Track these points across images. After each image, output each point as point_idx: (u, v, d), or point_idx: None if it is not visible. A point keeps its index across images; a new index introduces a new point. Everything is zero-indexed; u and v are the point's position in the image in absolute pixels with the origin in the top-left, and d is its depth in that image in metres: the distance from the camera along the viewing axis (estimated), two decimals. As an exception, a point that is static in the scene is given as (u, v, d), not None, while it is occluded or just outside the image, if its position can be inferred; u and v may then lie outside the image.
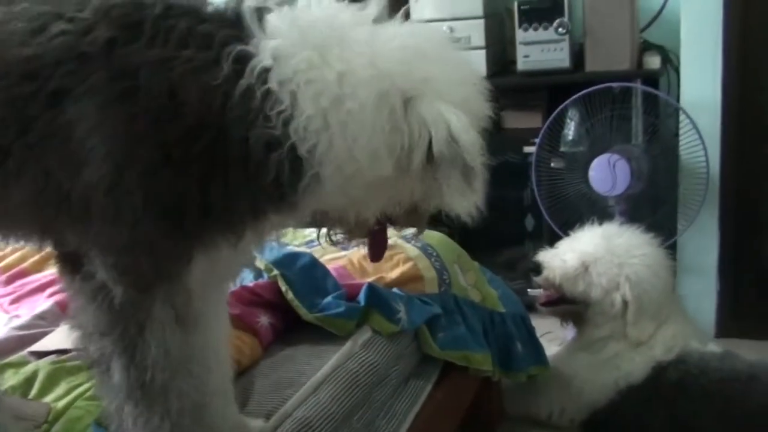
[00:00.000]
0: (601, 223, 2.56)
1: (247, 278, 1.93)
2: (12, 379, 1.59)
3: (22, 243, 1.38)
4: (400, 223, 1.40)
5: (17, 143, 1.14)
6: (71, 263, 1.24)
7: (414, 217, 1.35)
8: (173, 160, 1.12)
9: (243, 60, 1.14)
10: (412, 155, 1.19)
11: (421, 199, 1.28)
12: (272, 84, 1.14)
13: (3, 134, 1.15)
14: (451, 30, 3.10)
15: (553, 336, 2.95)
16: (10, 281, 2.07)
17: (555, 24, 3.02)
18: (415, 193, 1.26)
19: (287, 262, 1.89)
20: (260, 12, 1.19)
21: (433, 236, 2.28)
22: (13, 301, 1.95)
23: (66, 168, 1.13)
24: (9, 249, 2.18)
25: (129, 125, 1.11)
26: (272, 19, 1.19)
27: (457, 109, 1.19)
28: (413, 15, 3.09)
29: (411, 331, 1.95)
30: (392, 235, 2.22)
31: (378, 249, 1.43)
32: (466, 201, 1.22)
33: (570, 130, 2.99)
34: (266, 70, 1.14)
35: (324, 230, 1.40)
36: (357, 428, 1.64)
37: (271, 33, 1.17)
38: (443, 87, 1.21)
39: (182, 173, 1.12)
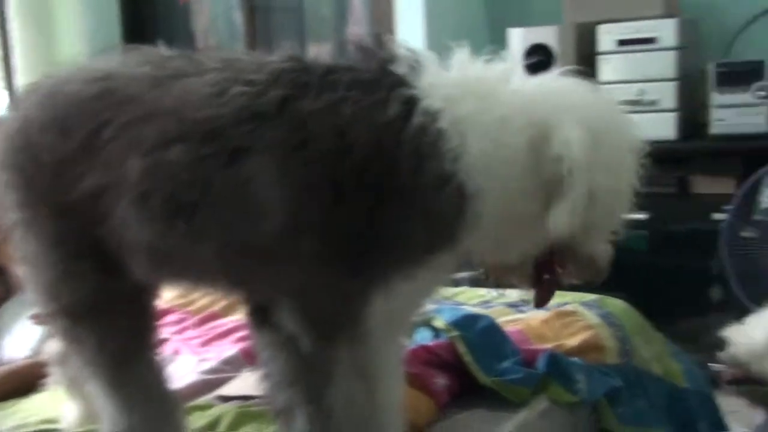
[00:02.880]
0: (795, 299, 2.40)
1: (425, 337, 1.93)
2: (199, 420, 1.66)
3: (211, 291, 1.46)
4: (568, 272, 1.40)
5: (202, 200, 1.23)
6: (260, 315, 1.30)
7: (575, 262, 1.36)
8: (343, 196, 1.17)
9: (411, 102, 1.20)
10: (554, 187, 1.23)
11: (571, 240, 1.28)
12: (444, 123, 1.19)
13: (190, 193, 1.23)
14: (642, 92, 3.04)
15: (740, 416, 2.76)
16: (201, 323, 2.17)
17: (754, 87, 2.89)
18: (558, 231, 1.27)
19: (467, 323, 1.87)
20: (417, 65, 1.26)
21: (615, 305, 2.21)
22: (203, 344, 2.03)
23: (247, 221, 1.20)
24: (201, 293, 2.28)
25: (303, 172, 1.18)
26: (429, 70, 1.25)
27: (588, 130, 1.22)
28: (603, 76, 3.05)
29: (590, 403, 1.88)
30: (573, 300, 2.20)
31: (543, 295, 1.44)
32: (571, 223, 1.22)
33: (765, 197, 2.83)
34: (437, 111, 1.20)
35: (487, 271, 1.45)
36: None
37: (432, 82, 1.24)
38: (581, 113, 1.25)
39: (352, 208, 1.18)
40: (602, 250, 1.33)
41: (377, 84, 1.22)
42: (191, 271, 1.35)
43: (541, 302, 1.46)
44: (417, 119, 1.19)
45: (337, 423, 1.24)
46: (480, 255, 1.38)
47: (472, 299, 2.30)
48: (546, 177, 1.23)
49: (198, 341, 2.05)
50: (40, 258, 1.44)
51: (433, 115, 1.20)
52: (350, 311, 1.23)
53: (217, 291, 1.45)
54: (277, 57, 1.30)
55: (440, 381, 1.78)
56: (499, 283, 1.47)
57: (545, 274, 1.39)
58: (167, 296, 2.06)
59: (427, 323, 1.95)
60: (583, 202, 1.22)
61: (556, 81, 1.33)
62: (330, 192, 1.17)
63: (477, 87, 1.25)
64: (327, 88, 1.21)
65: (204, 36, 4.31)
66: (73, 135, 1.32)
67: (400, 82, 1.23)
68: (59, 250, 1.42)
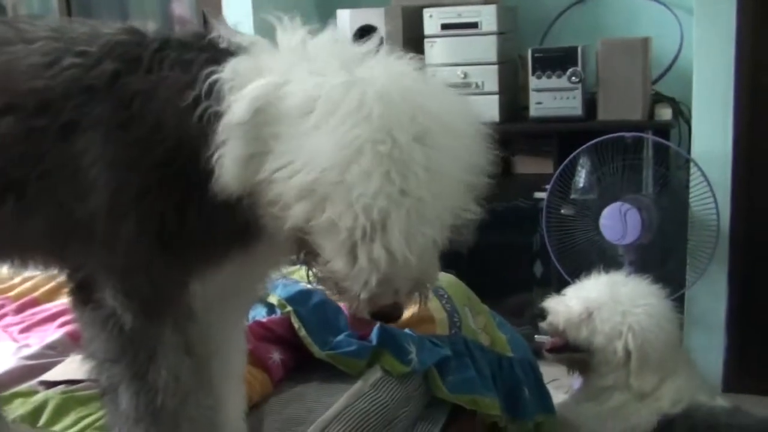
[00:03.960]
0: (609, 272, 2.56)
1: (260, 314, 1.93)
2: (20, 408, 1.58)
3: (38, 269, 1.40)
4: None
5: (33, 176, 1.18)
6: (83, 293, 1.26)
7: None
8: (155, 184, 1.15)
9: (213, 83, 1.16)
10: None
11: None
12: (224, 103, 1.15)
13: (20, 168, 1.19)
14: (465, 75, 3.14)
15: (559, 383, 2.93)
16: (20, 310, 2.07)
17: (568, 73, 3.05)
18: None
19: (300, 298, 1.88)
20: (236, 46, 1.21)
21: (444, 278, 2.27)
22: (23, 330, 1.94)
23: (76, 197, 1.17)
24: (20, 278, 2.18)
25: (125, 153, 1.15)
26: (250, 51, 1.20)
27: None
28: (430, 59, 3.13)
29: (421, 373, 1.93)
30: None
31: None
32: None
33: (581, 177, 3.01)
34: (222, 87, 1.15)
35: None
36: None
37: (246, 63, 1.18)
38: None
39: (162, 197, 1.16)
40: None
41: (191, 64, 1.18)
42: (19, 247, 1.30)
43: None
44: (208, 102, 1.14)
45: (162, 399, 1.22)
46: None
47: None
48: None
49: (17, 327, 1.95)
50: None
51: (217, 93, 1.15)
52: (171, 294, 1.22)
53: (41, 267, 1.38)
54: (112, 28, 1.25)
55: (275, 356, 1.79)
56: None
57: None
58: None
59: (262, 299, 1.94)
60: None
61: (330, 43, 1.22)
62: (145, 178, 1.15)
63: (273, 60, 1.19)
64: (155, 65, 1.19)
65: (13, 9, 4.05)
66: None
67: (212, 60, 1.18)
68: None
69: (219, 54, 1.19)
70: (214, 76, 1.14)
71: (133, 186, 1.15)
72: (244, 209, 1.15)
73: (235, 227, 1.19)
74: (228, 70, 1.15)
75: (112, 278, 1.20)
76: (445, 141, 1.12)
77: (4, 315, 2.04)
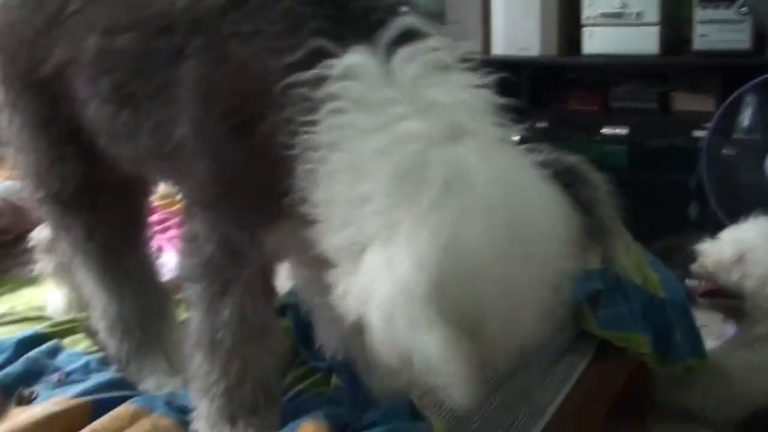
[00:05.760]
0: (771, 215, 2.44)
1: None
2: (185, 312, 1.66)
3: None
4: None
5: (146, 92, 1.21)
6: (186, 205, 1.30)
7: None
8: (235, 131, 1.12)
9: (319, 55, 1.05)
10: None
11: None
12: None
13: (136, 83, 1.22)
14: (624, 5, 3.01)
15: (709, 330, 2.83)
16: (182, 224, 2.16)
17: (737, 3, 2.88)
18: None
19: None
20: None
21: (597, 212, 2.22)
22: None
23: (170, 123, 1.19)
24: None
25: (209, 90, 1.14)
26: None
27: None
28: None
29: (571, 307, 1.90)
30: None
31: None
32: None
33: (746, 116, 2.85)
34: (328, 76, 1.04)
35: None
36: (513, 393, 1.62)
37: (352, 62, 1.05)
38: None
39: (238, 147, 1.13)
40: None
41: (300, 23, 1.08)
42: (136, 158, 1.33)
43: None
44: (310, 75, 1.03)
45: (222, 334, 1.23)
46: None
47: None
48: None
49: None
50: (27, 143, 1.45)
51: (323, 78, 1.03)
52: (245, 237, 1.19)
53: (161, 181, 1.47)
54: None
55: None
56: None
57: None
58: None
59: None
60: None
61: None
62: (231, 121, 1.12)
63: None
64: (262, 11, 1.11)
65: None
66: (46, 6, 1.33)
67: (324, 29, 1.07)
68: (44, 134, 1.43)
69: (337, 24, 1.07)
70: (324, 64, 1.03)
71: (209, 127, 1.14)
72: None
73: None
74: (341, 64, 1.03)
75: (200, 210, 1.22)
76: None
77: (168, 228, 2.14)
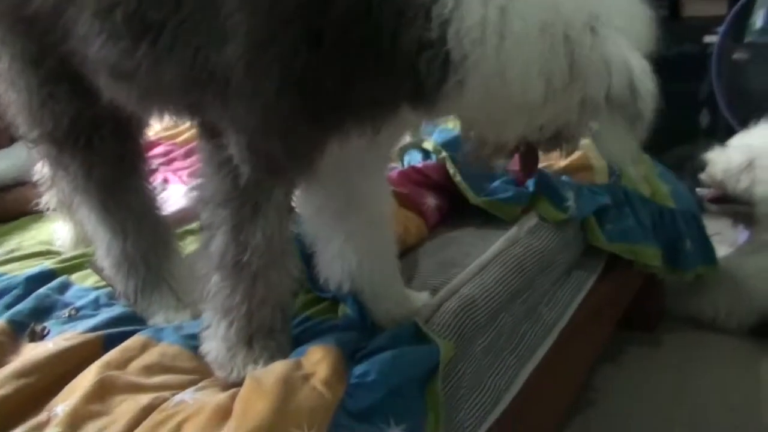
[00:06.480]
0: (783, 120, 2.39)
1: (416, 159, 1.93)
2: (192, 244, 1.67)
3: (175, 120, 1.42)
4: (542, 148, 1.32)
5: (171, 19, 1.15)
6: (209, 129, 1.25)
7: (556, 142, 1.27)
8: (320, 45, 1.08)
9: None
10: (572, 89, 1.12)
11: (567, 129, 1.21)
12: None
13: (158, 9, 1.15)
14: None
15: (722, 238, 2.82)
16: (188, 155, 2.16)
17: None
18: (560, 122, 1.19)
19: (456, 144, 1.87)
20: None
21: (603, 125, 2.19)
22: (192, 174, 2.02)
23: (213, 44, 1.13)
24: (187, 124, 2.25)
25: (274, 4, 1.08)
26: None
27: (636, 51, 1.10)
28: None
29: (578, 221, 1.90)
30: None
31: (528, 168, 1.35)
32: (624, 148, 1.16)
33: (759, 17, 2.77)
34: None
35: (468, 148, 1.34)
36: (519, 312, 1.63)
37: None
38: (620, 26, 1.11)
39: (328, 60, 1.09)
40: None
41: None
42: (151, 94, 1.29)
43: (528, 174, 1.42)
44: None
45: (249, 256, 1.22)
46: (470, 127, 1.29)
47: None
48: (562, 78, 1.11)
49: (186, 171, 2.04)
50: (20, 81, 1.42)
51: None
52: (299, 153, 1.19)
53: (178, 118, 1.41)
54: None
55: (431, 201, 1.80)
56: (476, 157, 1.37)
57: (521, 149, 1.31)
58: (153, 129, 2.04)
59: (417, 145, 1.94)
60: (644, 130, 1.13)
61: None
62: (304, 36, 1.08)
63: None
64: None
65: None
66: None
67: None
68: (35, 72, 1.40)
69: None
70: None
71: (284, 42, 1.09)
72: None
73: (399, 100, 1.15)
74: None
75: (242, 133, 1.17)
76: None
77: (173, 159, 2.14)
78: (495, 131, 1.22)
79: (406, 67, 1.10)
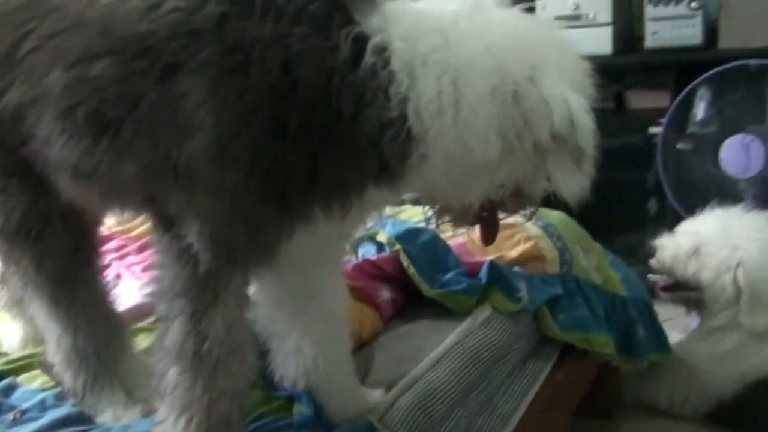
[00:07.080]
0: (725, 207, 2.46)
1: (369, 251, 1.94)
2: (144, 342, 1.65)
3: (132, 214, 1.43)
4: (507, 208, 1.39)
5: (129, 117, 1.17)
6: (165, 221, 1.25)
7: (520, 200, 1.35)
8: (285, 132, 1.12)
9: (361, 40, 1.15)
10: (524, 137, 1.20)
11: (525, 182, 1.28)
12: (395, 65, 1.15)
13: (116, 108, 1.18)
14: (576, 6, 3.03)
15: (675, 323, 2.85)
16: (141, 250, 2.15)
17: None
18: (518, 175, 1.26)
19: (409, 237, 1.89)
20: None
21: (554, 216, 2.24)
22: (145, 269, 2.01)
23: (174, 139, 1.15)
24: (140, 220, 2.25)
25: (239, 98, 1.12)
26: (382, 4, 1.19)
27: (572, 90, 1.19)
28: (539, -10, 3.04)
29: (531, 311, 1.92)
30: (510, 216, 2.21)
31: (489, 233, 1.42)
32: (574, 183, 1.21)
33: (700, 109, 2.88)
34: (390, 51, 1.15)
35: (431, 213, 1.40)
36: (475, 405, 1.63)
37: (387, 16, 1.18)
38: (556, 71, 1.21)
39: (293, 146, 1.13)
40: (544, 186, 1.32)
41: (326, 19, 1.15)
42: (112, 190, 1.29)
43: (489, 239, 1.44)
44: (367, 60, 1.14)
45: (209, 346, 1.21)
46: (431, 195, 1.35)
47: (413, 217, 2.31)
48: (514, 129, 1.20)
49: (140, 266, 2.03)
50: None
51: (384, 55, 1.15)
52: (263, 240, 1.20)
53: (137, 213, 1.42)
54: None
55: (385, 294, 1.80)
56: (440, 224, 1.43)
57: (484, 212, 1.37)
58: (106, 223, 2.03)
59: (371, 237, 1.96)
60: (590, 165, 1.20)
61: (514, 18, 1.26)
62: (268, 125, 1.12)
63: (436, 22, 1.20)
64: (272, 15, 1.14)
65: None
66: None
67: (350, 17, 1.16)
68: None
69: (347, 10, 1.16)
70: (376, 43, 1.15)
71: (251, 132, 1.12)
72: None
73: (365, 180, 1.20)
74: (390, 37, 1.15)
75: (205, 222, 1.18)
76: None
77: (127, 254, 2.12)
78: (458, 196, 1.29)
79: (370, 147, 1.15)
